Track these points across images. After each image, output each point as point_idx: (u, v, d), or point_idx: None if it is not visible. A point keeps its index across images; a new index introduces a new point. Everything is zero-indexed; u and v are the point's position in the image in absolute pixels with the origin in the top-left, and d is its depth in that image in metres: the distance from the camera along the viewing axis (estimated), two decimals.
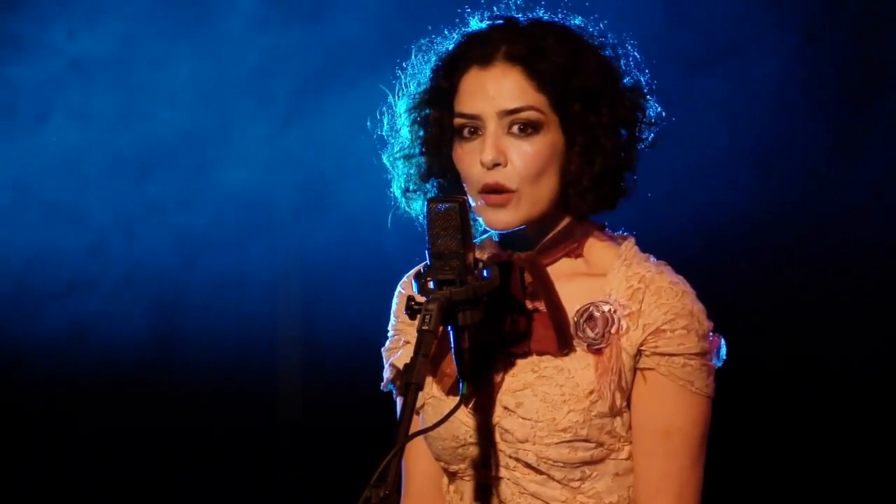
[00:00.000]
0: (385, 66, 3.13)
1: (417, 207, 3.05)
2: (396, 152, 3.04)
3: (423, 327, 2.68)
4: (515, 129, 2.91)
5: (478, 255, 2.92)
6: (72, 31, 5.39)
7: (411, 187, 3.04)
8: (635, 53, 3.02)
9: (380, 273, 3.15)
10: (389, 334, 3.12)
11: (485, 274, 2.77)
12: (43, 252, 5.41)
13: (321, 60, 5.37)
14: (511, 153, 2.90)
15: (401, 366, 3.01)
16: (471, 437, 2.95)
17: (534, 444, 2.91)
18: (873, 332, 4.94)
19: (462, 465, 2.98)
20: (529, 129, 2.90)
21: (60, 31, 5.39)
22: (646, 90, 3.01)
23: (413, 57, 3.04)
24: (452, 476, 3.03)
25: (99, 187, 5.43)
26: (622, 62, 3.00)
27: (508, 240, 3.00)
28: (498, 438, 2.94)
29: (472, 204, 2.95)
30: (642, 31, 3.15)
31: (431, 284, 2.73)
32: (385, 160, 3.07)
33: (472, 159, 2.92)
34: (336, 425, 5.50)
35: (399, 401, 3.02)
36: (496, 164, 2.89)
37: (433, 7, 3.08)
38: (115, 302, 5.44)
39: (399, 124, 3.04)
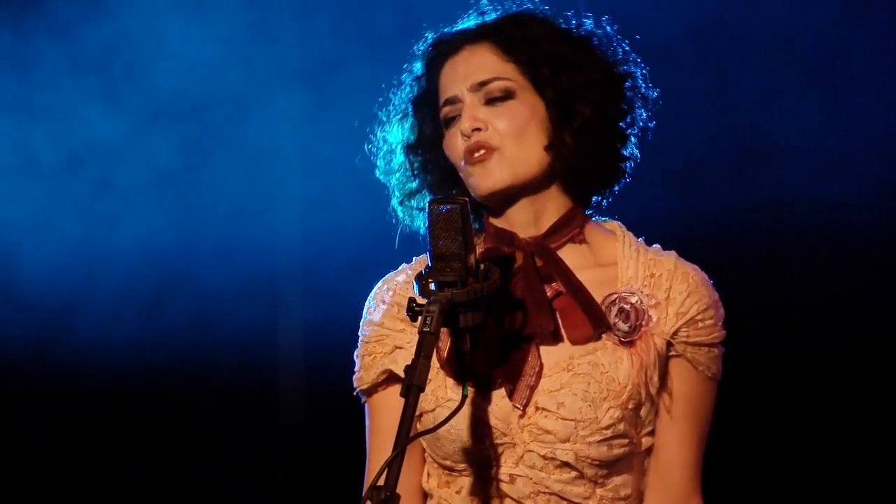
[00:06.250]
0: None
1: (418, 220, 3.10)
2: (392, 164, 3.11)
3: (425, 329, 2.67)
4: (489, 99, 2.97)
5: (477, 242, 2.93)
6: None
7: (408, 193, 3.09)
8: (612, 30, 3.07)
9: (383, 274, 3.14)
10: (364, 335, 3.11)
11: (486, 276, 2.76)
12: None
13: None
14: (490, 119, 2.96)
15: (399, 371, 3.01)
16: (496, 438, 2.93)
17: (574, 444, 2.90)
18: (873, 331, 4.94)
19: (471, 466, 2.95)
20: (502, 97, 2.97)
21: None
22: (637, 73, 3.05)
23: (393, 92, 3.13)
24: (450, 472, 3.00)
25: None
26: (597, 39, 3.04)
27: (508, 223, 3.01)
28: (528, 438, 2.92)
29: (464, 179, 3.00)
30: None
31: (433, 286, 2.73)
32: (381, 176, 3.13)
33: (456, 138, 2.99)
34: (338, 427, 5.49)
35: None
36: (475, 129, 2.96)
37: None
38: (115, 302, 5.44)
39: (391, 146, 3.11)
